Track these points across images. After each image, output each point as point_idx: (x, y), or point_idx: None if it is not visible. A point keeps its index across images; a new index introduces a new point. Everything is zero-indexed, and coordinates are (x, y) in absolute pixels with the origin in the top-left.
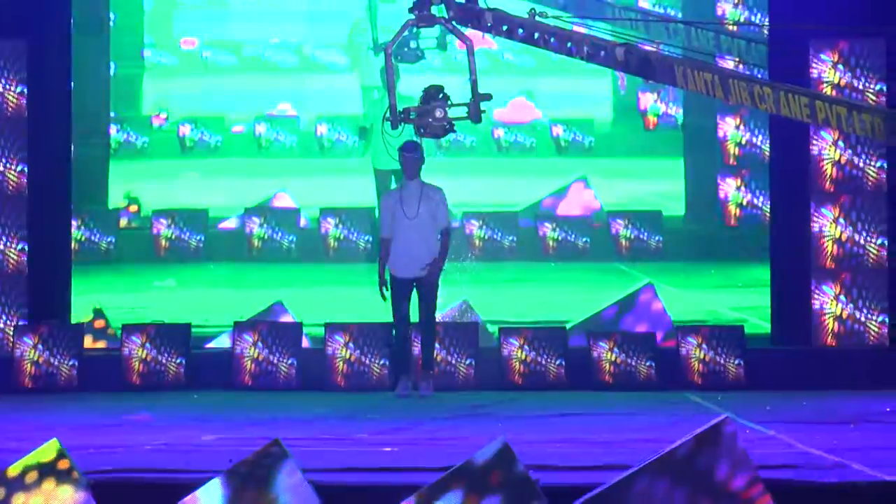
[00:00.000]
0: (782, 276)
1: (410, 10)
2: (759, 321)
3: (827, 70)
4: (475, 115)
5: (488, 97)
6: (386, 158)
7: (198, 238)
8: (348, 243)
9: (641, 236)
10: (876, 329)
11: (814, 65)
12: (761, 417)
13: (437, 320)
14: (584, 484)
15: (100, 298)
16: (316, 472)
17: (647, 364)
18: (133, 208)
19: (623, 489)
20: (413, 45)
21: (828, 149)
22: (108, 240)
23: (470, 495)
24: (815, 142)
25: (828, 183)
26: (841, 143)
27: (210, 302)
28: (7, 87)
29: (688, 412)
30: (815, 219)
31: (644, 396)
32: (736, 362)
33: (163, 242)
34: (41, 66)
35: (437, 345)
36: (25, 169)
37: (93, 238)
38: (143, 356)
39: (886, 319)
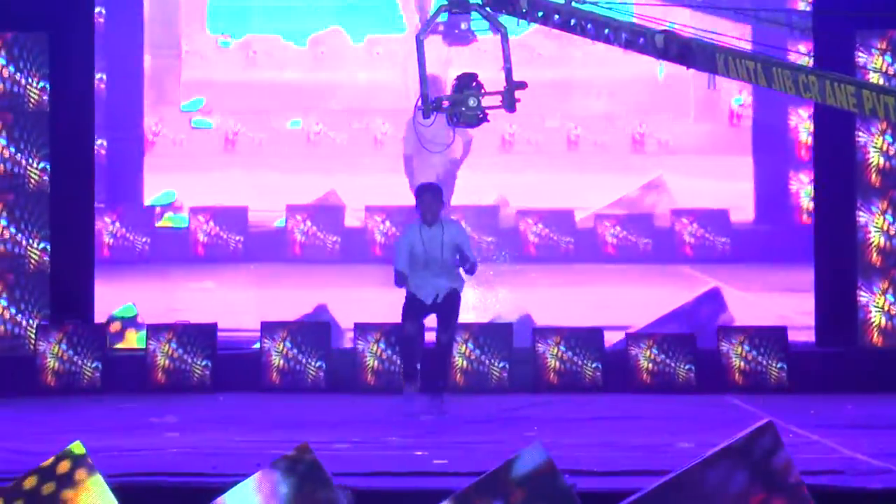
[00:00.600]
0: (827, 275)
1: None
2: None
3: (874, 60)
4: (509, 103)
5: (523, 85)
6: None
7: (237, 238)
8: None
9: (707, 236)
10: None
11: (860, 55)
12: (805, 421)
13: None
14: (622, 490)
15: (133, 298)
16: (346, 476)
17: (687, 366)
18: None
19: (661, 494)
20: (464, 25)
21: (875, 140)
22: (144, 239)
23: None
24: (860, 134)
25: (874, 175)
26: (888, 137)
27: (249, 304)
28: (29, 81)
29: (728, 416)
30: (861, 214)
31: (683, 399)
32: (778, 364)
33: (201, 241)
34: (64, 59)
35: (456, 358)
36: (47, 166)
37: (127, 236)
38: (169, 356)
39: None
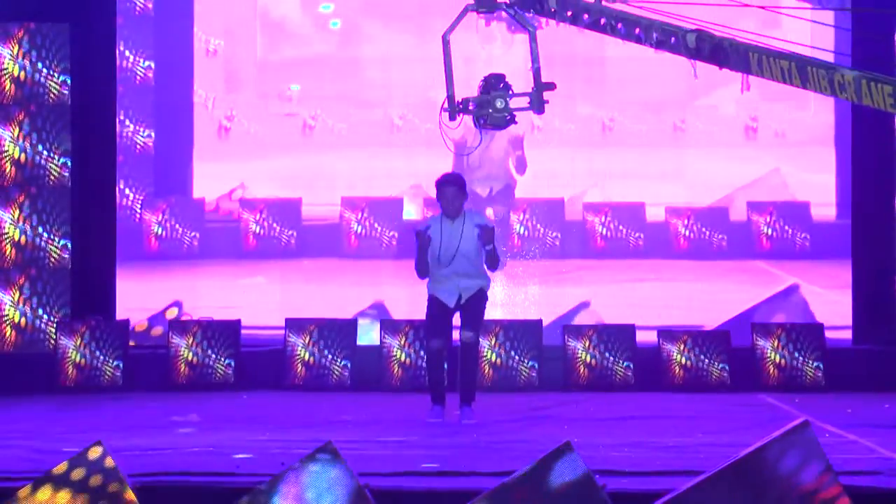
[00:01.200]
0: (865, 272)
1: None
2: None
3: None
4: (538, 105)
5: (552, 86)
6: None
7: (290, 232)
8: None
9: (786, 231)
10: None
11: None
12: (841, 421)
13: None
14: (653, 490)
15: (181, 296)
16: (370, 475)
17: (720, 364)
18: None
19: (695, 496)
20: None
21: None
22: (192, 233)
23: None
24: None
25: None
26: None
27: (303, 301)
28: (50, 73)
29: (763, 415)
30: None
31: (716, 398)
32: (814, 363)
33: (252, 236)
34: (85, 51)
35: (483, 363)
36: (69, 160)
37: (175, 231)
38: (191, 355)
39: None
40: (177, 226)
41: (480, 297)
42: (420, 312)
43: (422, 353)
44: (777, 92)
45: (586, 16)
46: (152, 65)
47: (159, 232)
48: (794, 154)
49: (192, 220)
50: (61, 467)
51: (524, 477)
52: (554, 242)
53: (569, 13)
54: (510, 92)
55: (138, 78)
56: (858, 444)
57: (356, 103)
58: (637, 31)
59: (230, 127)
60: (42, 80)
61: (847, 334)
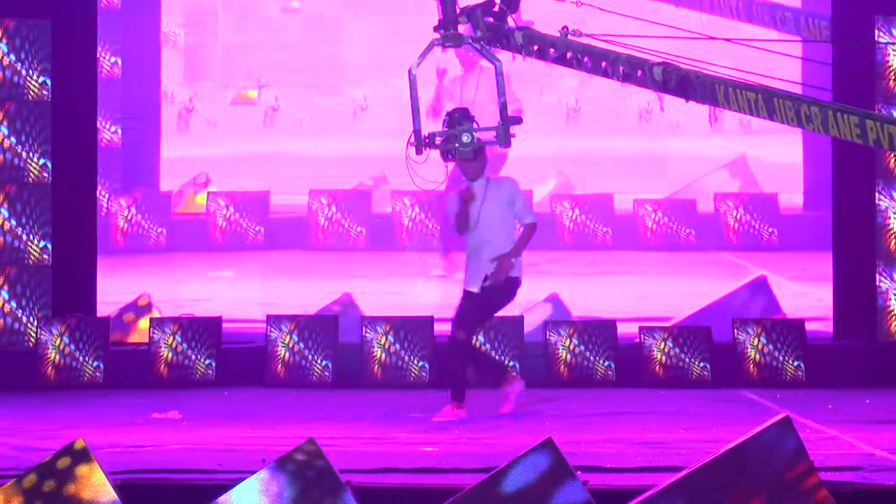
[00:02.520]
0: (845, 265)
1: (436, 30)
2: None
3: (892, 53)
4: (504, 139)
5: (519, 120)
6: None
7: (256, 228)
8: (421, 229)
9: (753, 223)
10: None
11: (880, 37)
12: (822, 416)
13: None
14: (635, 486)
15: (150, 290)
16: (353, 472)
17: (701, 360)
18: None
19: (676, 492)
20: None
21: None
22: (160, 226)
23: None
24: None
25: (892, 161)
26: None
27: (271, 294)
28: (29, 71)
29: (744, 411)
30: (881, 199)
31: (697, 394)
32: (795, 358)
33: (219, 229)
34: (66, 48)
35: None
36: (48, 161)
37: (143, 224)
38: (172, 351)
39: None
40: (143, 220)
41: (512, 285)
42: (389, 307)
43: (404, 349)
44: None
45: (552, 50)
46: (119, 60)
47: (124, 226)
48: (760, 143)
49: (159, 213)
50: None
51: (505, 473)
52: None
53: (535, 48)
54: (476, 126)
55: (104, 72)
56: (839, 440)
57: (319, 90)
58: (604, 64)
59: (191, 117)
60: (21, 78)
61: (818, 326)
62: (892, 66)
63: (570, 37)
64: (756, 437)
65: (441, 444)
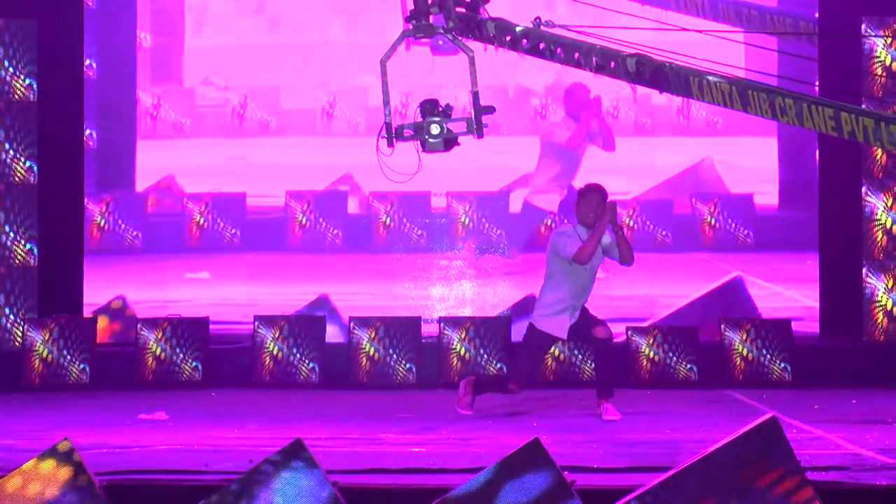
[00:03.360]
0: (831, 266)
1: (407, 20)
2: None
3: (878, 49)
4: (476, 129)
5: (492, 110)
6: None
7: (234, 226)
8: (399, 232)
9: (729, 223)
10: None
11: (866, 39)
12: (809, 416)
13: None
14: (623, 486)
15: (126, 291)
16: (340, 473)
17: (688, 360)
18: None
19: (663, 492)
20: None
21: None
22: (135, 228)
23: None
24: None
25: (877, 158)
26: None
27: (248, 295)
28: (16, 71)
29: (730, 411)
30: (867, 200)
31: (684, 394)
32: (782, 358)
33: (195, 230)
34: (53, 48)
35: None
36: (34, 161)
37: (118, 226)
38: (159, 352)
39: None
40: (119, 222)
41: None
42: (362, 308)
43: (391, 350)
44: None
45: (525, 41)
46: (93, 63)
47: (102, 224)
48: (729, 144)
49: (135, 215)
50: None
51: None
52: (499, 236)
53: (508, 38)
54: (450, 116)
55: None
56: (826, 440)
57: (285, 92)
58: (577, 55)
59: (157, 119)
60: (8, 78)
61: (794, 326)
62: (878, 68)
63: (542, 28)
64: (743, 437)
65: (428, 444)
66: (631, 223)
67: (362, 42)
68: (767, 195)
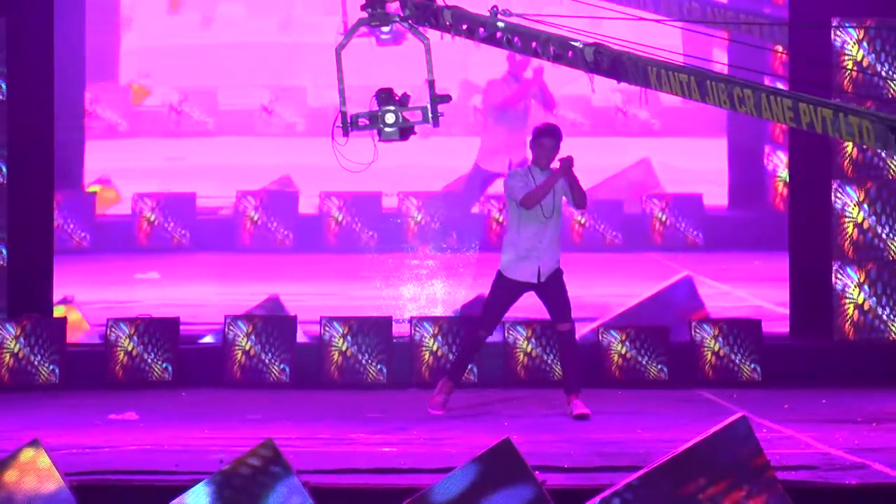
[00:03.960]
0: (802, 265)
1: (363, 8)
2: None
3: (850, 45)
4: (432, 118)
5: (448, 98)
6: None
7: (183, 226)
8: (350, 231)
9: (679, 223)
10: None
11: (836, 37)
12: (779, 416)
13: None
14: (593, 485)
15: (74, 291)
16: (310, 473)
17: (659, 359)
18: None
19: (633, 491)
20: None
21: None
22: (83, 228)
23: None
24: None
25: (847, 158)
26: None
27: (198, 295)
28: None
29: (701, 410)
30: (837, 198)
31: (655, 393)
32: (752, 358)
33: (145, 230)
34: (22, 46)
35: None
36: (3, 161)
37: (67, 226)
38: (129, 352)
39: None
40: (67, 222)
41: (561, 277)
42: (317, 310)
43: (360, 355)
44: None
45: (482, 30)
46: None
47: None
48: (676, 144)
49: (83, 215)
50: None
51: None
52: (451, 235)
53: (464, 27)
54: (404, 105)
55: None
56: (796, 439)
57: (223, 92)
58: (534, 45)
59: (97, 117)
60: None
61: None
62: (847, 64)
63: (499, 16)
64: (713, 436)
65: (399, 444)
66: (583, 221)
67: (300, 41)
68: (717, 196)
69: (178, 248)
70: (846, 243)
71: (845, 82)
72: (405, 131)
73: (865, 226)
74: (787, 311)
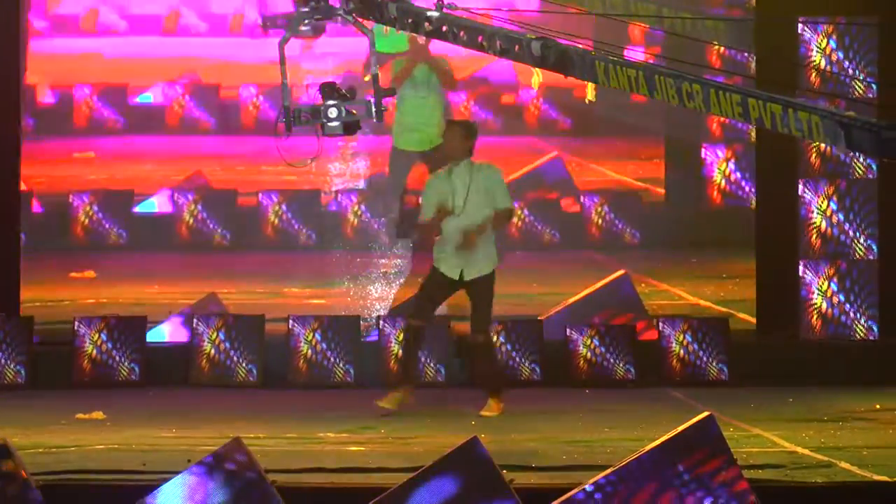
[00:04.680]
0: (769, 263)
1: (305, 2)
2: (746, 316)
3: (817, 40)
4: (377, 112)
5: (392, 92)
6: (408, 137)
7: (120, 223)
8: (289, 230)
9: (616, 222)
10: (864, 325)
11: (804, 33)
12: (746, 415)
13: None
14: (561, 484)
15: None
16: (278, 472)
17: (626, 358)
18: None
19: (601, 489)
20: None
21: None
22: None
23: None
24: None
25: (814, 156)
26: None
27: (135, 295)
28: None
29: (668, 409)
30: (804, 193)
31: (623, 392)
32: (719, 357)
33: (80, 228)
34: None
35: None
36: None
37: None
38: (96, 351)
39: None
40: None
41: (488, 282)
42: (259, 307)
43: (328, 353)
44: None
45: (428, 23)
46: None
47: None
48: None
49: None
50: None
51: (431, 471)
52: (383, 233)
53: (410, 20)
54: (350, 99)
55: None
56: (762, 438)
57: (133, 90)
58: (480, 39)
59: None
60: None
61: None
62: (814, 60)
63: (445, 10)
64: (680, 434)
65: (367, 443)
66: (520, 217)
67: (214, 37)
68: (655, 195)
69: (116, 245)
70: (813, 240)
71: (812, 80)
72: (349, 126)
73: (833, 221)
74: (724, 309)
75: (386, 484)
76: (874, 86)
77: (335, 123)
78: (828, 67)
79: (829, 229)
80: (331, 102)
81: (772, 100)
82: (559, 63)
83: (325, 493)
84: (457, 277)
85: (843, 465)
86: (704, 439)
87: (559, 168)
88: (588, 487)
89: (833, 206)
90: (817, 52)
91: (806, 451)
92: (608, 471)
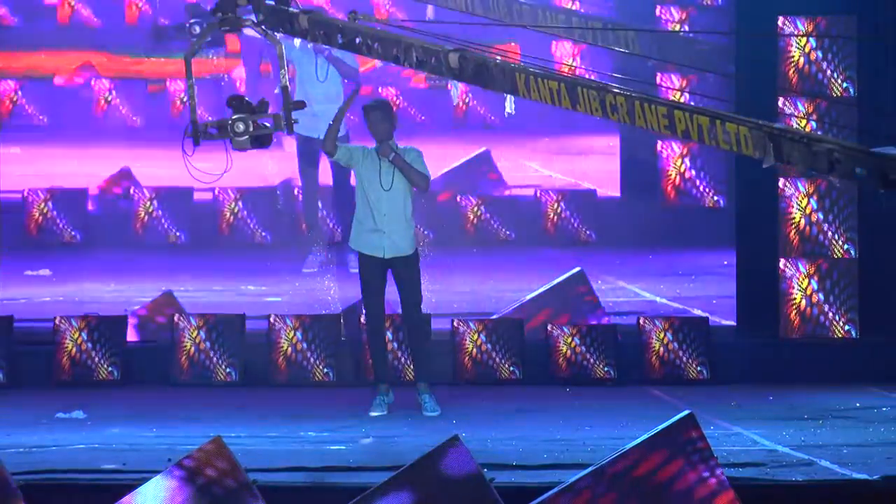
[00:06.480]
0: (748, 261)
1: (213, 12)
2: (701, 313)
3: (797, 39)
4: (286, 125)
5: (302, 105)
6: (308, 123)
7: (74, 221)
8: (245, 228)
9: (572, 219)
10: (842, 324)
11: (784, 29)
12: (727, 413)
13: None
14: (542, 483)
15: None
16: (259, 471)
17: (606, 357)
18: None
19: (582, 488)
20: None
21: (796, 123)
22: None
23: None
24: (787, 107)
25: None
26: (814, 122)
27: (91, 293)
28: None
29: (649, 408)
30: (784, 189)
31: (603, 391)
32: (700, 355)
33: (36, 224)
34: None
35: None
36: None
37: None
38: (76, 350)
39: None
40: None
41: (414, 262)
42: (212, 306)
43: (308, 353)
44: None
45: (340, 35)
46: None
47: None
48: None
49: None
50: None
51: (412, 470)
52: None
53: (321, 32)
54: (261, 112)
55: None
56: (743, 437)
57: (59, 87)
58: (395, 51)
59: None
60: None
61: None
62: (794, 59)
63: (359, 21)
64: (661, 433)
65: (348, 442)
66: (477, 215)
67: (143, 33)
68: (610, 192)
69: (71, 243)
70: (793, 239)
71: (790, 79)
72: (259, 139)
73: (813, 219)
74: (679, 306)
75: (367, 483)
76: (850, 89)
77: (243, 138)
78: (806, 67)
79: (807, 227)
80: (238, 116)
81: (699, 112)
82: (477, 75)
83: (307, 491)
84: (382, 255)
85: (824, 463)
86: (684, 437)
87: (488, 162)
88: (567, 486)
89: (813, 204)
90: (796, 48)
91: (786, 450)
92: (589, 469)
